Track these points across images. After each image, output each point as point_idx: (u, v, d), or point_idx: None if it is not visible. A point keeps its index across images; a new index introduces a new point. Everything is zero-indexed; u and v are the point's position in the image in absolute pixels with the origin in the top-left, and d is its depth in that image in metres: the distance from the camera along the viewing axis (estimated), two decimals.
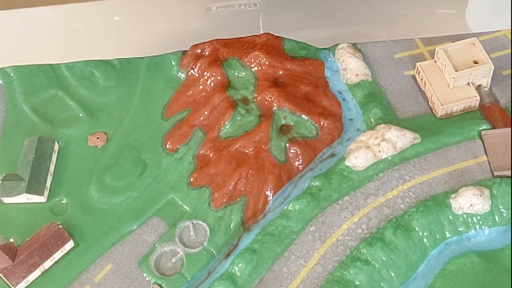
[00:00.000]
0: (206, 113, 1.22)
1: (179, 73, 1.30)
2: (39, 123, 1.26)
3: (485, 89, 1.24)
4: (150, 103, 1.27)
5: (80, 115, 1.27)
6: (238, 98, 1.23)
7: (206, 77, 1.25)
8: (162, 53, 1.32)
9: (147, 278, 1.10)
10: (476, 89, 1.22)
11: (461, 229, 1.10)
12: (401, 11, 1.44)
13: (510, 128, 1.18)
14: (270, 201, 1.15)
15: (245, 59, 1.27)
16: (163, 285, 1.09)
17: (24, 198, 1.17)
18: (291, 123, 1.21)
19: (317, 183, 1.15)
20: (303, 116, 1.21)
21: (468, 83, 1.23)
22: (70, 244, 1.12)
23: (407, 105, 1.25)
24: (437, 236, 1.09)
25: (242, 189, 1.15)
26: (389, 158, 1.17)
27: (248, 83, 1.26)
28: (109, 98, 1.28)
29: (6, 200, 1.17)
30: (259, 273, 1.08)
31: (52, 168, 1.21)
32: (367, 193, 1.14)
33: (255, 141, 1.18)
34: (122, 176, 1.20)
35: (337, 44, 1.32)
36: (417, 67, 1.26)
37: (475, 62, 1.22)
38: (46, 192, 1.18)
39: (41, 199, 1.17)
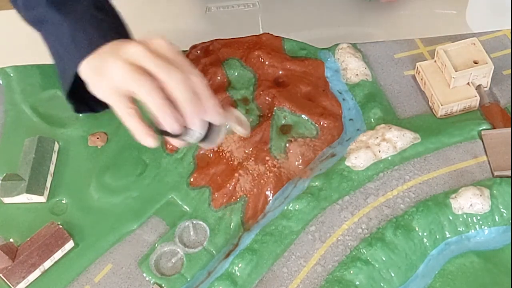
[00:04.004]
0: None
1: None
2: (39, 123, 1.26)
3: (485, 89, 1.24)
4: None
5: (80, 115, 1.27)
6: (238, 98, 1.23)
7: (206, 77, 1.25)
8: None
9: (147, 278, 1.10)
10: (476, 89, 1.22)
11: (461, 229, 1.10)
12: (401, 11, 1.44)
13: (510, 128, 1.18)
14: (270, 201, 1.16)
15: (245, 59, 1.27)
16: (163, 285, 1.09)
17: (24, 198, 1.17)
18: (291, 123, 1.21)
19: (317, 183, 1.15)
20: (303, 116, 1.21)
21: (468, 83, 1.23)
22: (70, 244, 1.12)
23: (407, 105, 1.25)
24: (437, 236, 1.10)
25: (242, 189, 1.15)
26: (389, 158, 1.17)
27: (248, 83, 1.26)
28: None
29: (6, 200, 1.17)
30: (259, 273, 1.08)
31: (52, 168, 1.21)
32: (367, 193, 1.14)
33: (255, 141, 1.18)
34: (122, 176, 1.20)
35: (337, 44, 1.32)
36: (417, 67, 1.26)
37: (475, 62, 1.22)
38: (46, 192, 1.18)
39: (41, 199, 1.17)
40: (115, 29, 1.08)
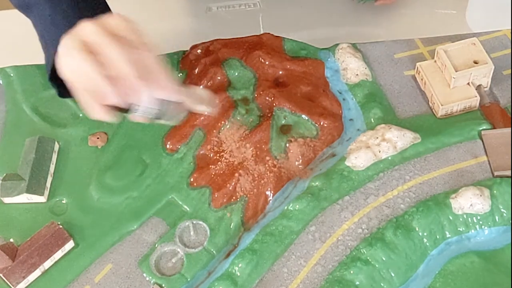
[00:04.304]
0: (206, 113, 1.21)
1: (179, 73, 1.30)
2: (39, 123, 1.26)
3: (485, 89, 1.24)
4: None
5: (80, 115, 1.27)
6: (238, 98, 1.23)
7: (206, 77, 1.25)
8: (162, 53, 1.32)
9: (147, 278, 1.10)
10: (476, 89, 1.22)
11: (461, 229, 1.10)
12: (401, 11, 1.44)
13: (510, 128, 1.18)
14: (270, 201, 1.16)
15: (245, 59, 1.27)
16: (163, 285, 1.09)
17: (24, 198, 1.17)
18: (291, 123, 1.21)
19: (317, 183, 1.15)
20: (303, 116, 1.21)
21: (468, 83, 1.23)
22: (70, 244, 1.12)
23: (407, 105, 1.25)
24: (437, 236, 1.10)
25: (242, 189, 1.15)
26: (389, 158, 1.17)
27: (248, 83, 1.26)
28: None
29: (6, 200, 1.17)
30: (259, 273, 1.08)
31: (52, 168, 1.21)
32: (367, 193, 1.14)
33: (255, 141, 1.18)
34: (122, 176, 1.20)
35: (337, 44, 1.32)
36: (417, 67, 1.26)
37: (475, 62, 1.22)
38: (46, 192, 1.18)
39: (41, 199, 1.17)
40: (92, 8, 1.09)
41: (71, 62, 0.99)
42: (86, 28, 0.99)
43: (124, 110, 1.01)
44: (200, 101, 1.07)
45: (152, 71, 0.98)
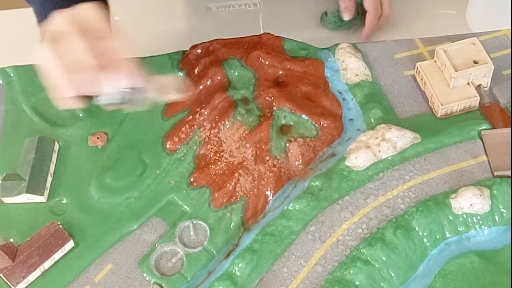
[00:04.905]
0: (206, 113, 1.22)
1: (179, 73, 1.30)
2: (39, 123, 1.26)
3: (485, 89, 1.24)
4: None
5: (80, 115, 1.27)
6: (238, 98, 1.23)
7: (206, 77, 1.25)
8: (162, 53, 1.32)
9: (147, 278, 1.10)
10: (476, 89, 1.22)
11: (461, 229, 1.10)
12: (401, 11, 1.44)
13: (510, 128, 1.18)
14: (270, 201, 1.16)
15: (245, 59, 1.27)
16: (163, 285, 1.09)
17: (24, 198, 1.17)
18: (291, 123, 1.21)
19: (317, 183, 1.15)
20: (303, 116, 1.21)
21: (468, 83, 1.23)
22: (70, 244, 1.12)
23: (407, 105, 1.25)
24: (437, 236, 1.10)
25: (242, 189, 1.15)
26: (389, 158, 1.17)
27: (248, 83, 1.26)
28: None
29: (6, 200, 1.17)
30: (259, 273, 1.08)
31: (52, 168, 1.21)
32: (367, 193, 1.14)
33: (255, 141, 1.18)
34: (122, 176, 1.20)
35: (337, 44, 1.32)
36: (417, 67, 1.26)
37: (475, 62, 1.22)
38: (46, 192, 1.18)
39: (41, 199, 1.17)
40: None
41: (38, 52, 1.01)
42: (56, 19, 1.01)
43: (90, 98, 1.04)
44: (164, 88, 1.09)
45: (115, 60, 1.01)
